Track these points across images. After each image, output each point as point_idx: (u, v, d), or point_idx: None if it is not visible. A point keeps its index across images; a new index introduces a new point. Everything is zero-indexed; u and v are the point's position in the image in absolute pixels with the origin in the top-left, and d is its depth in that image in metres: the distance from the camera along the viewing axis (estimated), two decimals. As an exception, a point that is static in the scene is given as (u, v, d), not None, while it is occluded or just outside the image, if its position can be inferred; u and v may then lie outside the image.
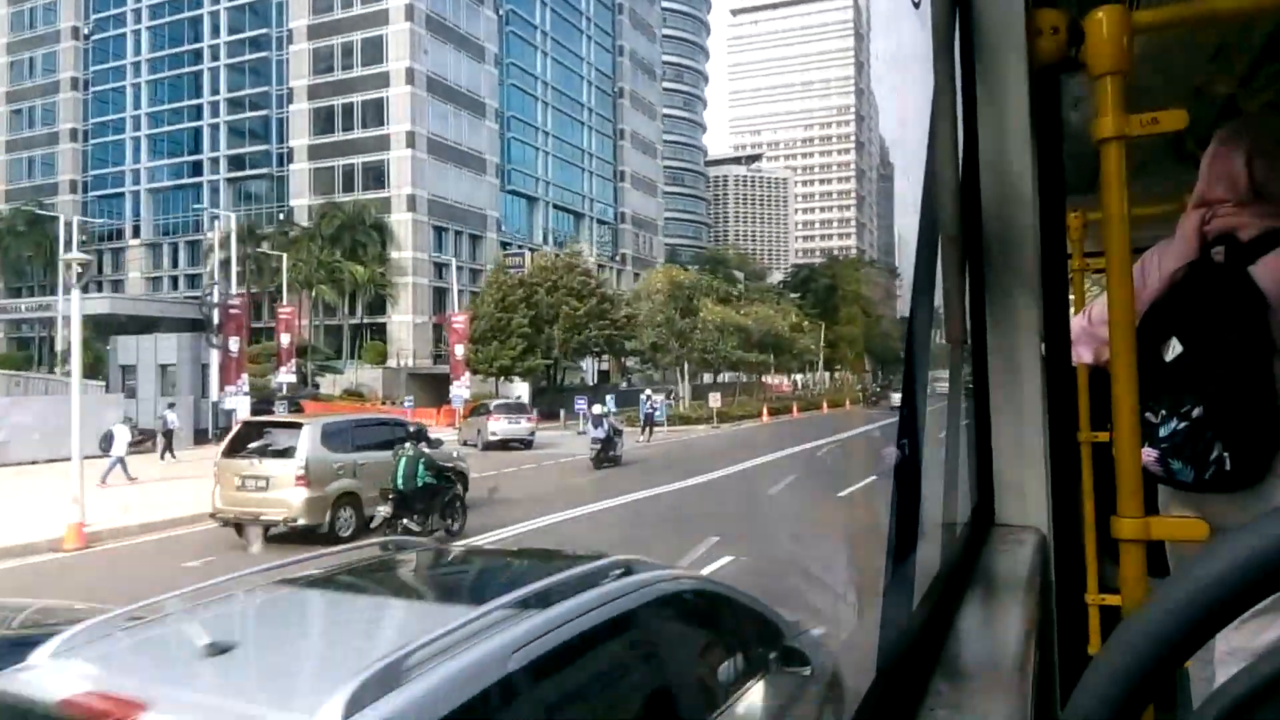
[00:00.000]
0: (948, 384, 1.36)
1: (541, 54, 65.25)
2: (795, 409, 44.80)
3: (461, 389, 33.64)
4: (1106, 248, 1.36)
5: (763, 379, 57.57)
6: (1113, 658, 0.36)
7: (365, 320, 49.33)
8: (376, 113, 50.78)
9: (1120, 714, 0.35)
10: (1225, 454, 1.89)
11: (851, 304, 74.84)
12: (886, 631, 0.88)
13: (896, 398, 13.37)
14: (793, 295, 72.88)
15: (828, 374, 70.00)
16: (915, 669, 0.81)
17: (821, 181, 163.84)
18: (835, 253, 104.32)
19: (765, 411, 40.31)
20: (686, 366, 45.78)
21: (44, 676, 2.08)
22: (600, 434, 19.44)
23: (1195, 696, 2.05)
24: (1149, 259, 2.15)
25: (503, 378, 38.55)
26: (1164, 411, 1.93)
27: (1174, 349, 1.97)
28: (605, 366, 51.62)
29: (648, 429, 29.00)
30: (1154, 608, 0.35)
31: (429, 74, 51.17)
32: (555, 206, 67.48)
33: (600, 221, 73.78)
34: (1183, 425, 1.92)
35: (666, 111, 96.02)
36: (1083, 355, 2.30)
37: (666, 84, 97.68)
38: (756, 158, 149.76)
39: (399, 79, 50.21)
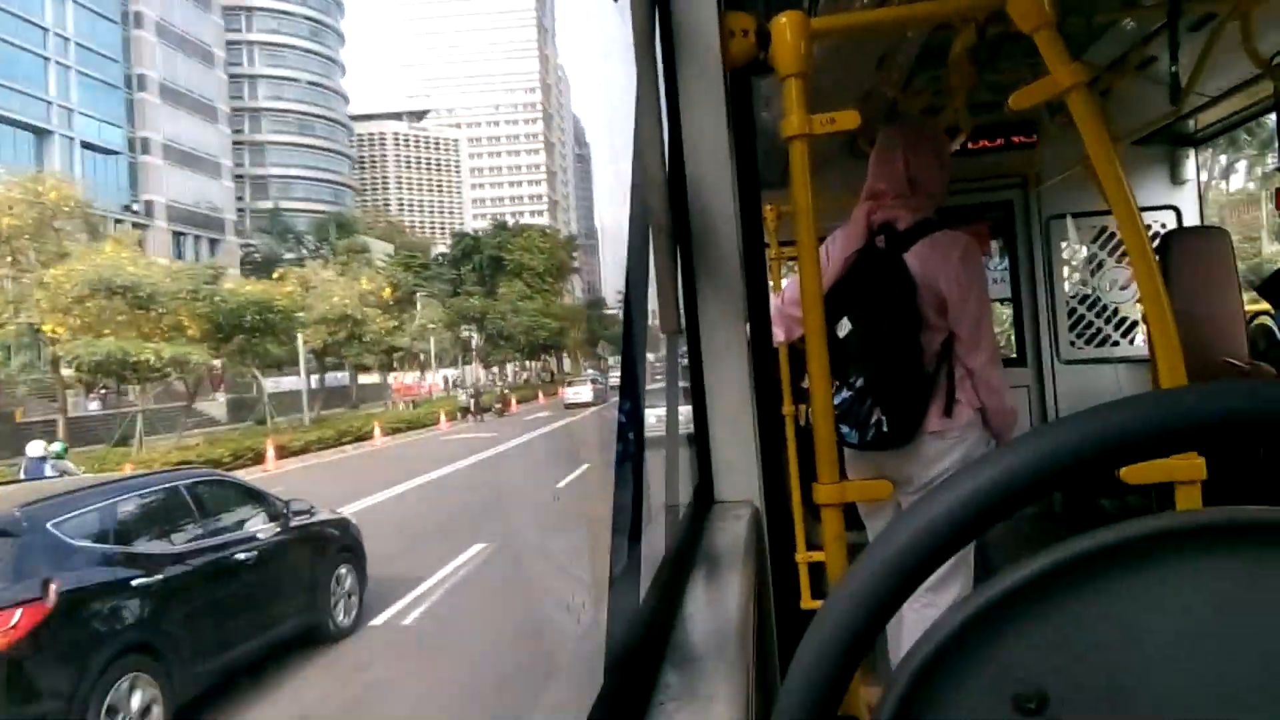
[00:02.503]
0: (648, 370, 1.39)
1: None
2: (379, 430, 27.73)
3: None
4: (797, 236, 1.50)
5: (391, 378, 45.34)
6: (829, 614, 0.38)
7: None
8: None
9: (837, 671, 0.37)
10: (883, 417, 2.19)
11: (514, 277, 62.44)
12: (614, 625, 0.86)
13: (574, 392, 32.06)
14: (451, 270, 62.46)
15: (484, 368, 49.42)
16: (644, 661, 0.82)
17: (509, 154, 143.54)
18: (507, 221, 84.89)
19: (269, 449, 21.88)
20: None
21: None
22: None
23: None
24: (830, 244, 2.44)
25: None
26: (836, 382, 2.19)
27: (845, 326, 2.23)
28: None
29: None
30: (861, 569, 0.38)
31: None
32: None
33: (93, 148, 45.92)
34: (849, 394, 2.22)
35: (287, 40, 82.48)
36: (778, 335, 2.46)
37: (283, 4, 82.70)
38: (423, 114, 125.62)
39: None
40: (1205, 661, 0.38)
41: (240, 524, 6.55)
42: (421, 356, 47.62)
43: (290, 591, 6.63)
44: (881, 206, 2.36)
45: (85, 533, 5.28)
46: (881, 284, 2.24)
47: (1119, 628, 0.38)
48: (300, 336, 31.25)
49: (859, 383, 2.23)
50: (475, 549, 10.26)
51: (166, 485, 6.35)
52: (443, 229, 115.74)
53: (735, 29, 1.41)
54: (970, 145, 3.82)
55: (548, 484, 15.60)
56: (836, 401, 2.16)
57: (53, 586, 4.66)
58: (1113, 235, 4.28)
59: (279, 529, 6.68)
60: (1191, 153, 4.30)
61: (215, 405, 38.50)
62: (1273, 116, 3.76)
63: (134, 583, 5.27)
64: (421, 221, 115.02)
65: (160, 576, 5.44)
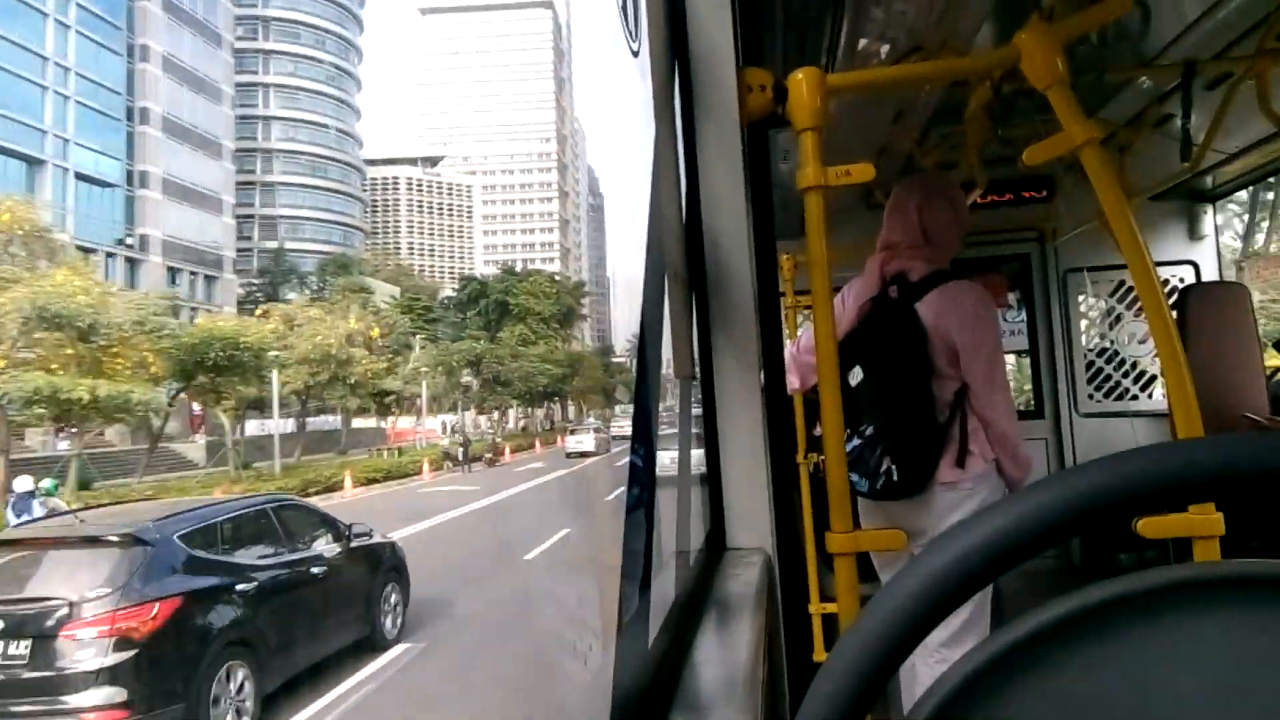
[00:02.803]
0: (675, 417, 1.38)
1: None
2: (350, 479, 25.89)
3: None
4: (812, 285, 1.55)
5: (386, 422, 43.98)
6: (836, 664, 0.38)
7: None
8: None
9: (847, 714, 0.37)
10: (893, 466, 2.17)
11: (518, 322, 62.82)
12: (623, 669, 0.85)
13: (576, 441, 31.71)
14: (457, 314, 63.81)
15: (480, 414, 47.40)
16: (653, 707, 0.81)
17: (522, 201, 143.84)
18: (516, 267, 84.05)
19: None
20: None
21: None
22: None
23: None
24: (845, 294, 2.46)
25: None
26: (848, 430, 2.18)
27: (857, 375, 2.24)
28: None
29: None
30: (868, 618, 0.38)
31: None
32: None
33: (88, 179, 44.80)
34: (859, 442, 2.21)
35: (302, 84, 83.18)
36: (792, 383, 2.52)
37: (300, 46, 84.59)
38: (437, 160, 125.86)
39: None
40: (1215, 711, 0.37)
41: (313, 542, 7.71)
42: (418, 401, 45.70)
43: (350, 603, 7.76)
44: (895, 257, 2.38)
45: (201, 544, 6.47)
46: (893, 333, 2.26)
47: (1130, 680, 0.37)
48: (276, 376, 29.16)
49: (869, 431, 2.24)
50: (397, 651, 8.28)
51: (258, 507, 7.60)
52: (453, 274, 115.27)
53: (753, 84, 1.44)
54: (986, 199, 3.84)
55: (515, 554, 13.52)
56: (847, 449, 2.15)
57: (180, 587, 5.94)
58: (1130, 289, 4.27)
59: (341, 549, 7.82)
60: (1209, 208, 4.29)
61: (194, 447, 36.57)
62: None
63: (236, 588, 6.51)
64: (432, 265, 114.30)
65: (254, 584, 6.65)
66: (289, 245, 76.19)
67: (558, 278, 72.55)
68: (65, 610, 5.56)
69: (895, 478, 2.18)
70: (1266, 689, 0.36)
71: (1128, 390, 4.33)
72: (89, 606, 5.59)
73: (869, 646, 0.37)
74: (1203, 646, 0.37)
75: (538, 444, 43.55)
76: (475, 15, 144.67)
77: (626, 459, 1.20)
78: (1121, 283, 4.30)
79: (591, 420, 52.04)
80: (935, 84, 2.65)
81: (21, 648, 5.38)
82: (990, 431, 2.23)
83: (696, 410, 1.42)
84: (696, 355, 1.33)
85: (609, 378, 74.64)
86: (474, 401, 45.80)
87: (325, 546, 7.68)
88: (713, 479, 1.40)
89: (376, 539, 8.52)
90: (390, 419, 46.29)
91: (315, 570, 7.36)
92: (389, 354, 39.54)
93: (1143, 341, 4.30)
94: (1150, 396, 4.29)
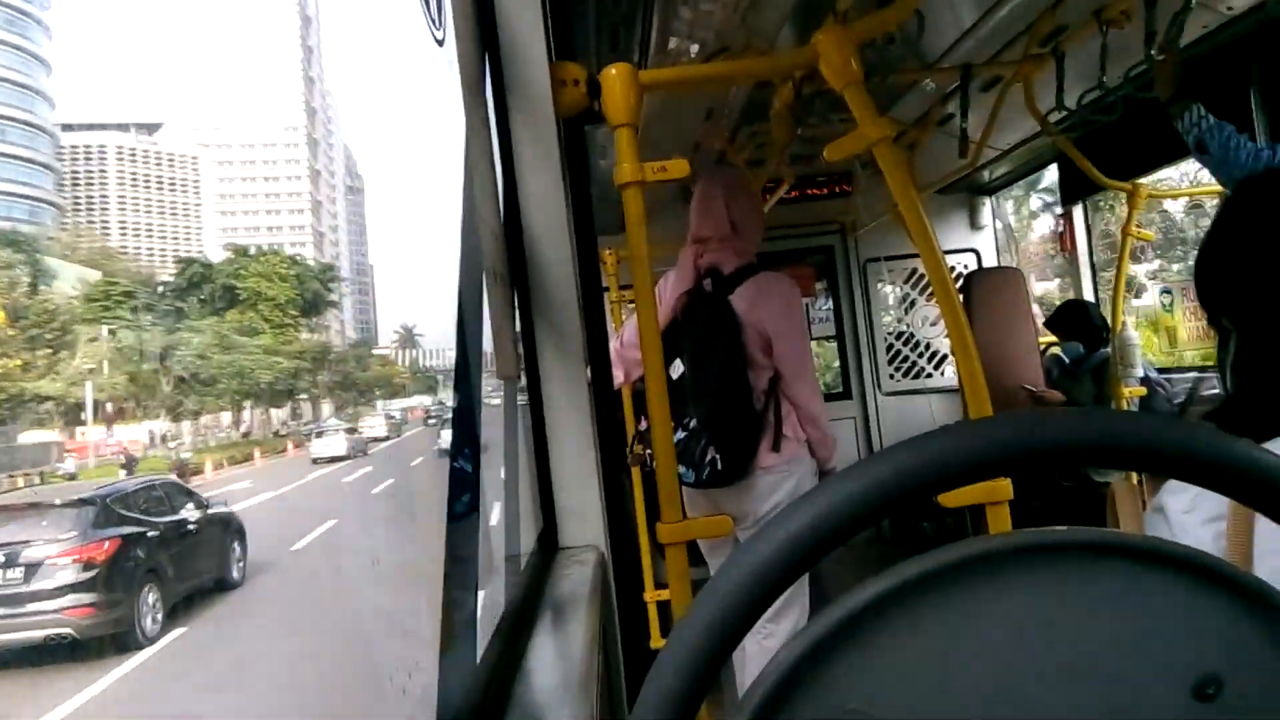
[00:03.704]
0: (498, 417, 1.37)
1: None
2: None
3: None
4: (634, 280, 1.56)
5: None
6: (668, 659, 0.39)
7: None
8: None
9: (683, 704, 0.38)
10: (717, 456, 2.26)
11: (249, 309, 52.21)
12: (449, 687, 0.84)
13: (323, 445, 25.54)
14: (174, 301, 51.54)
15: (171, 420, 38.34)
16: (484, 717, 0.80)
17: (267, 180, 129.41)
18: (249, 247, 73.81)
19: None
20: None
21: None
22: None
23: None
24: (662, 286, 2.51)
25: None
26: (672, 424, 2.18)
27: (678, 368, 2.31)
28: None
29: None
30: (699, 609, 0.39)
31: None
32: None
33: None
34: (684, 434, 2.28)
35: None
36: (617, 377, 2.57)
37: None
38: (154, 126, 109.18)
39: None
40: (1008, 676, 0.40)
41: (184, 508, 10.89)
42: (105, 407, 36.48)
43: (212, 552, 10.91)
44: (707, 250, 2.46)
45: (121, 507, 9.85)
46: (710, 325, 2.34)
47: (934, 650, 0.40)
48: None
49: (693, 423, 2.31)
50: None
51: (150, 483, 11.73)
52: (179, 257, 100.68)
53: (566, 79, 1.44)
54: (792, 194, 4.08)
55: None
56: (674, 441, 2.13)
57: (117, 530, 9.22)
58: (922, 276, 4.56)
59: (201, 515, 10.97)
60: (988, 200, 4.66)
61: None
62: (1053, 168, 4.13)
63: (146, 534, 9.84)
64: (151, 248, 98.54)
65: (157, 532, 9.99)
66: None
67: (300, 259, 63.69)
68: (48, 547, 8.84)
69: (720, 466, 2.26)
70: (1047, 646, 0.40)
71: (923, 370, 4.68)
72: (61, 543, 8.93)
73: (700, 639, 0.38)
74: (993, 613, 0.40)
75: (257, 455, 35.16)
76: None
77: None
78: (915, 270, 4.61)
79: (334, 421, 45.03)
80: (742, 82, 2.78)
81: (19, 572, 8.58)
82: (801, 414, 2.37)
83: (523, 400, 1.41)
84: (521, 354, 1.32)
85: (362, 372, 67.15)
86: (163, 405, 36.86)
87: (192, 512, 10.82)
88: (542, 478, 1.39)
89: (223, 509, 11.91)
90: (78, 430, 36.81)
91: (190, 527, 10.58)
92: (35, 347, 30.53)
93: (934, 324, 4.62)
94: (943, 374, 4.64)
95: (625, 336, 2.68)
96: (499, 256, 1.17)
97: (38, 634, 8.92)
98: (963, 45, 2.68)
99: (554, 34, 1.43)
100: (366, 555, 13.97)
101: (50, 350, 32.12)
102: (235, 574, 11.31)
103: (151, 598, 9.46)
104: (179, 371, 35.31)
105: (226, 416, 48.71)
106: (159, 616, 9.52)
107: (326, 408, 62.70)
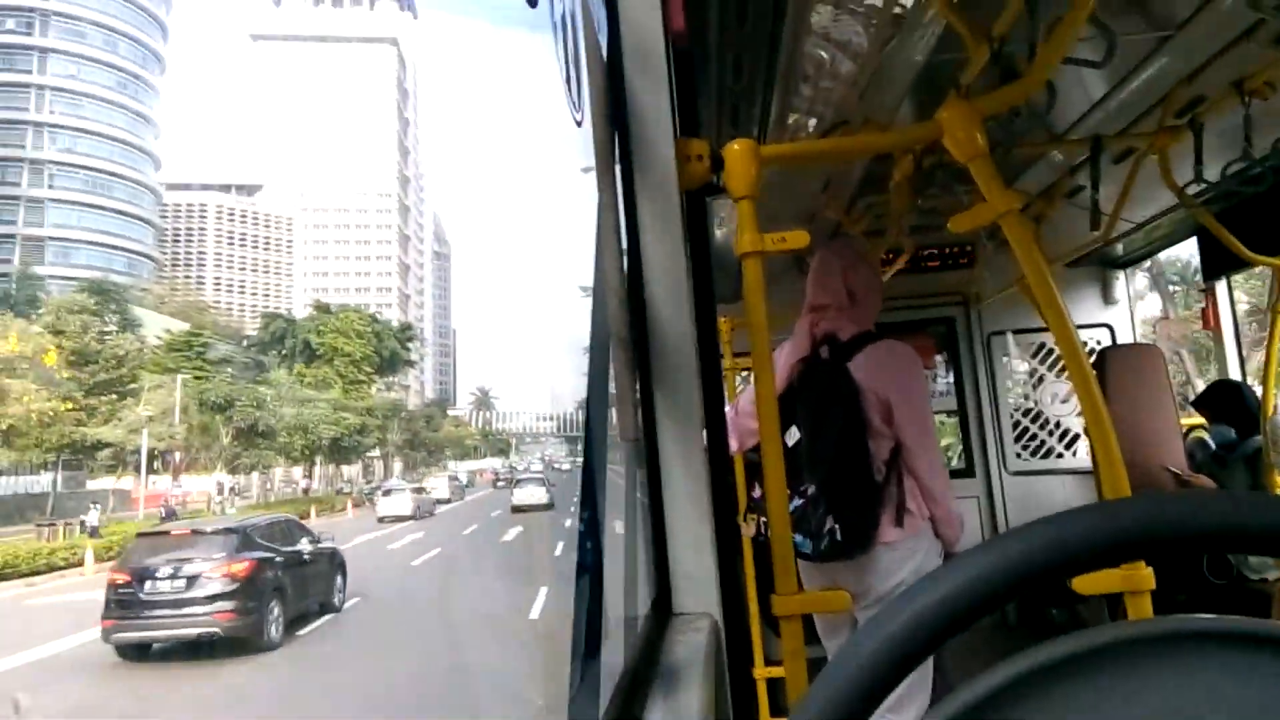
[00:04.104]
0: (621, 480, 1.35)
1: None
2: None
3: None
4: (752, 348, 1.58)
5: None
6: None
7: None
8: None
9: None
10: (836, 525, 2.16)
11: (324, 364, 53.75)
12: None
13: (390, 504, 29.62)
14: (255, 355, 54.02)
15: (229, 474, 36.97)
16: None
17: (359, 243, 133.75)
18: (330, 304, 74.67)
19: None
20: None
21: None
22: None
23: None
24: (777, 355, 2.42)
25: None
26: (788, 492, 2.09)
27: (793, 435, 2.26)
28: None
29: None
30: (820, 692, 0.37)
31: None
32: None
33: None
34: (800, 503, 2.20)
35: (86, 89, 70.83)
36: (730, 444, 2.43)
37: (85, 46, 72.09)
38: (254, 188, 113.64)
39: None
40: None
41: (301, 541, 14.06)
42: (174, 457, 35.74)
43: (321, 578, 13.87)
44: (824, 319, 2.43)
45: (259, 536, 12.70)
46: (827, 391, 2.28)
47: None
48: None
49: (810, 490, 2.23)
50: None
51: (278, 519, 15.22)
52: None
53: (691, 154, 1.46)
54: (911, 265, 3.91)
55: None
56: (789, 509, 2.04)
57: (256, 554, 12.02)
58: (1051, 351, 4.40)
59: (314, 548, 13.90)
60: (1121, 275, 4.44)
61: None
62: (1193, 241, 3.88)
63: (275, 559, 12.57)
64: (243, 304, 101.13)
65: (282, 558, 12.67)
66: (56, 271, 64.44)
67: (378, 317, 63.52)
68: (204, 564, 11.66)
69: (839, 537, 2.17)
70: None
71: (1053, 449, 4.41)
72: (214, 561, 11.71)
73: (830, 709, 0.36)
74: (1139, 702, 0.37)
75: (313, 512, 33.28)
76: (312, 46, 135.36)
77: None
78: (1042, 345, 4.43)
79: (396, 481, 43.44)
80: (861, 157, 2.74)
81: (182, 582, 11.46)
82: (924, 488, 2.27)
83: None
84: (639, 419, 1.34)
85: (432, 433, 65.68)
86: (223, 457, 35.47)
87: (307, 545, 13.58)
88: (658, 543, 1.37)
89: (330, 545, 15.07)
90: (141, 479, 36.13)
91: (305, 557, 13.21)
92: (91, 391, 29.80)
93: (1064, 401, 4.36)
94: (1074, 454, 4.36)
95: (740, 405, 2.64)
96: (623, 323, 1.23)
97: (193, 631, 11.68)
98: (1092, 116, 2.61)
99: (679, 112, 1.45)
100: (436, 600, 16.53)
101: (116, 396, 31.54)
102: (337, 601, 13.90)
103: (276, 610, 11.85)
104: (239, 423, 34.16)
105: (297, 471, 47.83)
106: (281, 627, 11.98)
107: (397, 465, 61.76)
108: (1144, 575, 1.38)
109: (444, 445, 70.47)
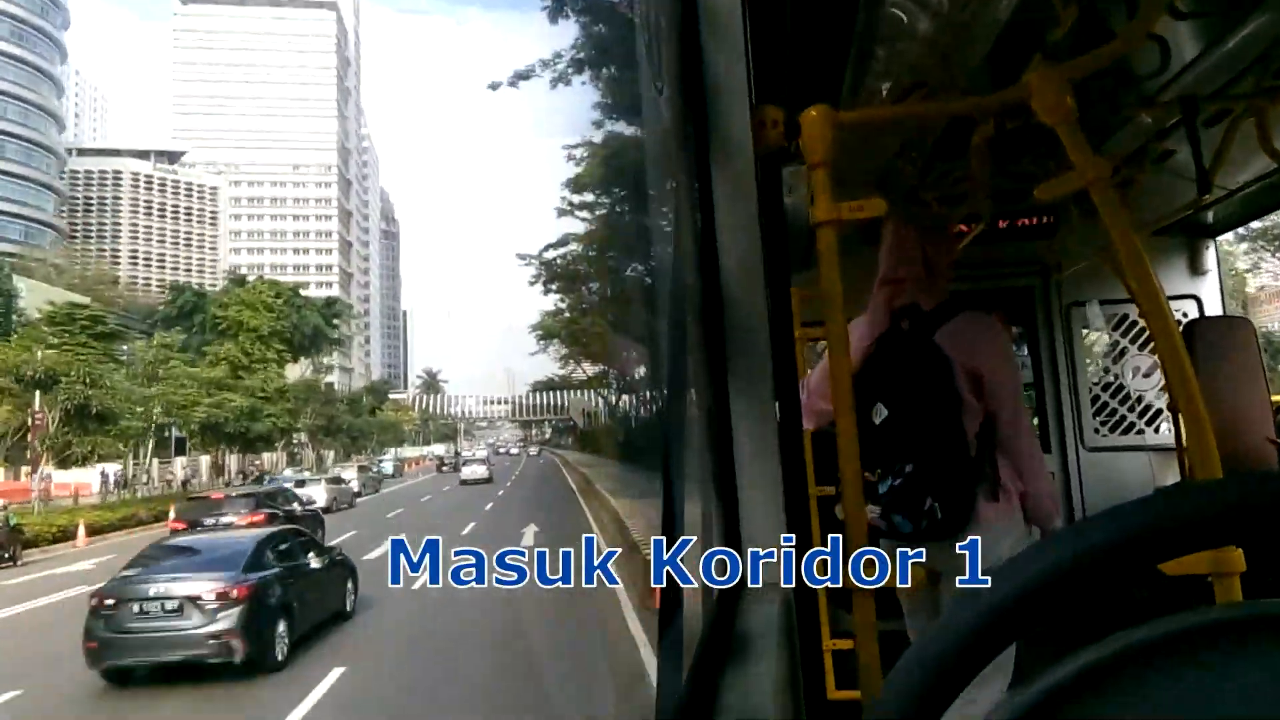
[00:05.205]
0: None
1: None
2: None
3: None
4: (826, 319, 1.55)
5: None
6: (895, 690, 0.37)
7: None
8: None
9: None
10: (936, 504, 2.11)
11: (228, 339, 49.05)
12: (664, 693, 0.91)
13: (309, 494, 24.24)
14: (158, 329, 48.79)
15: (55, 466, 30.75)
16: None
17: (296, 218, 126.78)
18: (248, 276, 68.57)
19: None
20: None
21: None
22: None
23: None
24: (850, 331, 2.30)
25: None
26: (880, 470, 2.16)
27: (880, 413, 2.19)
28: None
29: None
30: (911, 668, 0.37)
31: None
32: None
33: None
34: (898, 482, 2.16)
35: None
36: (805, 424, 2.42)
37: None
38: (176, 155, 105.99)
39: None
40: None
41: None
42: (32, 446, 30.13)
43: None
44: (902, 292, 2.36)
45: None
46: (914, 367, 2.22)
47: None
48: None
49: (909, 469, 2.18)
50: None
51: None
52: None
53: (766, 120, 1.44)
54: (990, 233, 3.77)
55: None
56: (884, 490, 2.15)
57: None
58: (1134, 323, 4.24)
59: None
60: (1211, 244, 4.27)
61: None
62: None
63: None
64: (162, 279, 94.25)
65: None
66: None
67: (291, 287, 57.74)
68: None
69: (939, 516, 2.14)
70: None
71: (1134, 424, 4.25)
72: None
73: (917, 691, 0.36)
74: (1235, 689, 0.36)
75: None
76: (246, 10, 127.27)
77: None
78: (1125, 316, 4.26)
79: (287, 472, 38.52)
80: (942, 120, 2.65)
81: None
82: (1021, 465, 2.21)
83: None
84: (711, 390, 1.33)
85: (354, 417, 60.19)
86: (49, 446, 29.28)
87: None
88: (728, 514, 1.37)
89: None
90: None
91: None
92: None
93: (1147, 375, 4.21)
94: (1156, 431, 4.19)
95: (812, 384, 2.54)
96: (698, 293, 1.23)
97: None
98: (1185, 78, 2.46)
99: (754, 79, 1.42)
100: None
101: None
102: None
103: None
104: (66, 404, 28.20)
105: (180, 461, 42.24)
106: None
107: (329, 455, 56.31)
108: (1234, 557, 1.32)
109: (370, 431, 64.78)
